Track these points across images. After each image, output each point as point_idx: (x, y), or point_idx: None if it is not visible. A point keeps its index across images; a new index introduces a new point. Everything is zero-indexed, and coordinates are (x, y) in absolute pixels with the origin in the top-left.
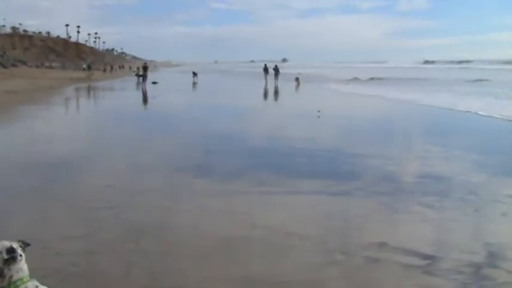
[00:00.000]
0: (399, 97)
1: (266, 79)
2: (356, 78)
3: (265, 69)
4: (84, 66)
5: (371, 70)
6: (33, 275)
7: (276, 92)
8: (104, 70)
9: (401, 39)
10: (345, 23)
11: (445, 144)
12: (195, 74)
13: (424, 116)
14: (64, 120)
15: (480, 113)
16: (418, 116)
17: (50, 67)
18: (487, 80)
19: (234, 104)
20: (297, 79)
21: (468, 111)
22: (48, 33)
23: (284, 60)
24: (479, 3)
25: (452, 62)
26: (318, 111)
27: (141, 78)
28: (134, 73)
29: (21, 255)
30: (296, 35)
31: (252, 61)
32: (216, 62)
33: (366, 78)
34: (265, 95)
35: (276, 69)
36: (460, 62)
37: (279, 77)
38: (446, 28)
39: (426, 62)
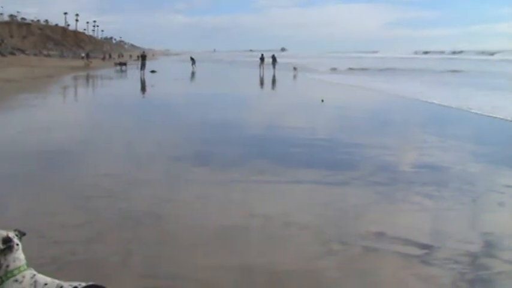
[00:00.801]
0: (364, 85)
1: (262, 68)
2: (334, 69)
3: (262, 59)
4: (83, 54)
5: (356, 60)
6: (30, 263)
7: (274, 81)
8: (103, 58)
9: (401, 29)
10: (344, 12)
11: (376, 124)
12: (193, 61)
13: (375, 102)
14: (62, 109)
15: (422, 98)
16: (372, 102)
17: (48, 55)
18: (461, 71)
19: (231, 92)
20: (295, 68)
21: (416, 98)
22: (46, 21)
23: (283, 49)
24: None
25: (450, 52)
26: (322, 100)
27: (122, 67)
28: (115, 62)
29: (17, 245)
30: (295, 24)
31: (251, 50)
32: (214, 51)
33: (344, 69)
34: (262, 84)
35: (274, 59)
36: (454, 52)
37: (276, 66)
38: (446, 18)
39: (425, 52)
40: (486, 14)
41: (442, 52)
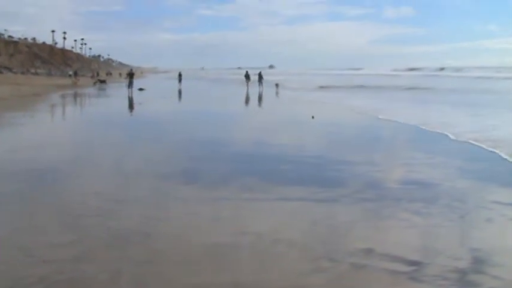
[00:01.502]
0: (328, 101)
1: (248, 86)
2: (303, 88)
3: (247, 76)
4: (70, 72)
5: (335, 78)
6: (18, 283)
7: (260, 98)
8: (92, 76)
9: (388, 46)
10: (332, 30)
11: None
12: (180, 77)
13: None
14: (50, 127)
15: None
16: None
17: (36, 74)
18: (424, 88)
19: (218, 110)
20: (276, 85)
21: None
22: (34, 39)
23: (271, 66)
24: (464, 12)
25: (436, 69)
26: (312, 117)
27: (102, 85)
28: (93, 81)
29: None
30: (283, 42)
31: (239, 68)
32: (202, 68)
33: (325, 85)
34: (247, 101)
35: (260, 76)
36: (441, 69)
37: (263, 83)
38: (432, 35)
39: (411, 69)
40: (474, 31)
41: (426, 69)
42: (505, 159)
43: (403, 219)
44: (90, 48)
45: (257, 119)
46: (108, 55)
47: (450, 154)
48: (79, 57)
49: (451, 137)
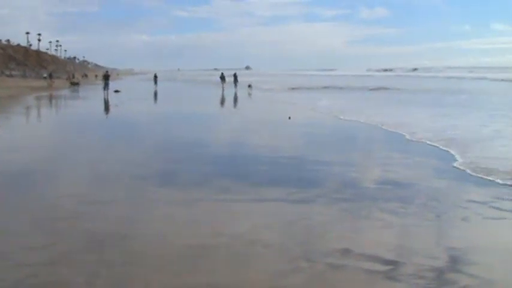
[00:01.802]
0: (296, 101)
1: (223, 87)
2: (275, 89)
3: (222, 78)
4: (45, 74)
5: (308, 78)
6: None
7: (235, 99)
8: (67, 78)
9: (364, 46)
10: (308, 31)
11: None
12: (156, 79)
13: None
14: (24, 130)
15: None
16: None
17: (10, 75)
18: (392, 88)
19: (193, 111)
20: (249, 86)
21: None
22: (8, 41)
23: (247, 67)
24: (439, 12)
25: (410, 69)
26: (289, 117)
27: (75, 87)
28: (69, 82)
29: None
30: (260, 42)
31: (216, 69)
32: (178, 70)
33: (286, 88)
34: (222, 103)
35: (235, 77)
36: (414, 69)
37: (238, 84)
38: (407, 36)
39: (385, 69)
40: (448, 32)
41: (399, 69)
42: (453, 156)
43: (376, 218)
44: (66, 50)
45: (230, 120)
46: (84, 57)
47: (402, 153)
48: (54, 59)
49: (407, 136)
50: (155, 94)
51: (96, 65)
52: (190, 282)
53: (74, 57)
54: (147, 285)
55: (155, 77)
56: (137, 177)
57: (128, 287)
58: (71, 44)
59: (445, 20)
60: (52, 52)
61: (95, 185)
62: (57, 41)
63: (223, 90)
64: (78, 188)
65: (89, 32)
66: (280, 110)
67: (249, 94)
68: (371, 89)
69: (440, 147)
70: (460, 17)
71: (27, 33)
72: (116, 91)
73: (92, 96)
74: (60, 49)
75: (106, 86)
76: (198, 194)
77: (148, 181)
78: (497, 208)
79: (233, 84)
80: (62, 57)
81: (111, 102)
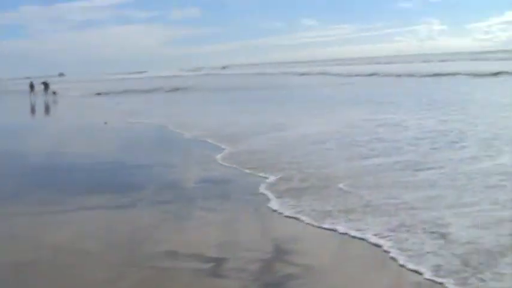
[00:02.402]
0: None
1: (33, 96)
2: (81, 95)
3: (31, 86)
4: None
5: (116, 82)
6: None
7: (47, 108)
8: None
9: (176, 47)
10: (122, 33)
11: None
12: None
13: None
14: None
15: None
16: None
17: None
18: (190, 88)
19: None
20: (54, 93)
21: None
22: None
23: (61, 74)
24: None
25: (219, 67)
26: (105, 122)
27: None
28: None
29: None
30: (73, 48)
31: (28, 78)
32: None
33: (92, 93)
34: (33, 111)
35: (46, 85)
36: (224, 67)
37: (49, 92)
38: (220, 35)
39: (196, 69)
40: (260, 28)
41: (209, 68)
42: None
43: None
44: None
45: (42, 128)
46: None
47: (178, 151)
48: None
49: (186, 135)
50: None
51: None
52: None
53: None
54: None
55: None
56: None
57: None
58: None
59: (256, 17)
60: None
61: None
62: None
63: (32, 99)
64: None
65: None
66: (89, 115)
67: (54, 102)
68: (168, 91)
69: (214, 143)
70: (271, 13)
71: None
72: None
73: None
74: None
75: None
76: (16, 208)
77: None
78: None
79: (44, 93)
80: None
81: None
